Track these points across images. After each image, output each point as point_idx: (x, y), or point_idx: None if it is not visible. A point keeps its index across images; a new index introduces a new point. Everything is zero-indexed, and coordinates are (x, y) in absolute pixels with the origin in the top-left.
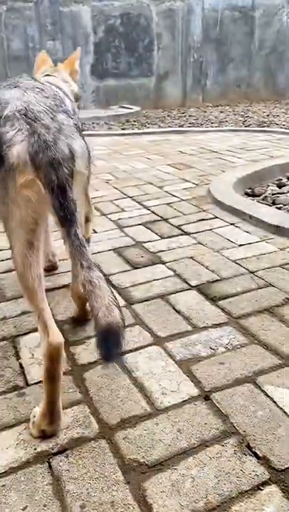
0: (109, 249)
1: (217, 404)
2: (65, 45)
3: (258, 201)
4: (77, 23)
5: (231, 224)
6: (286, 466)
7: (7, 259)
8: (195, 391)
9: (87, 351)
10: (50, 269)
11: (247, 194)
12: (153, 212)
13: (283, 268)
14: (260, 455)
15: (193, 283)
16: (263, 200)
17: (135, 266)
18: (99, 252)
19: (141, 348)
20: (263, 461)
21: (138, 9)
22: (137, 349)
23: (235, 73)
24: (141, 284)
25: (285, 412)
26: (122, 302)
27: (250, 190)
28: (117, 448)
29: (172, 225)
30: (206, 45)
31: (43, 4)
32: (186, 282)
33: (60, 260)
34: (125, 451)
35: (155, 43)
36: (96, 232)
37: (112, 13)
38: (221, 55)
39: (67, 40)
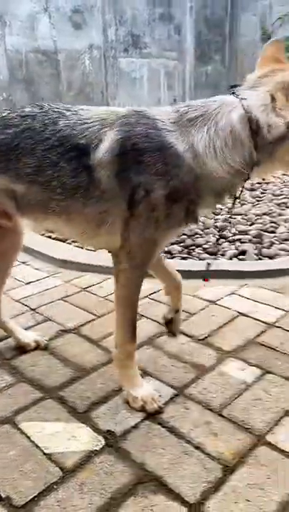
0: None
1: None
2: None
3: (55, 237)
4: None
5: (23, 262)
6: (26, 501)
7: None
8: None
9: None
10: None
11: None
12: None
13: (63, 300)
14: (4, 496)
15: None
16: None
17: None
18: None
19: None
20: (6, 501)
21: None
22: None
23: None
24: None
25: (35, 445)
26: None
27: None
28: None
29: None
30: (15, 84)
31: None
32: None
33: None
34: None
35: None
36: None
37: None
38: (31, 95)
39: None
